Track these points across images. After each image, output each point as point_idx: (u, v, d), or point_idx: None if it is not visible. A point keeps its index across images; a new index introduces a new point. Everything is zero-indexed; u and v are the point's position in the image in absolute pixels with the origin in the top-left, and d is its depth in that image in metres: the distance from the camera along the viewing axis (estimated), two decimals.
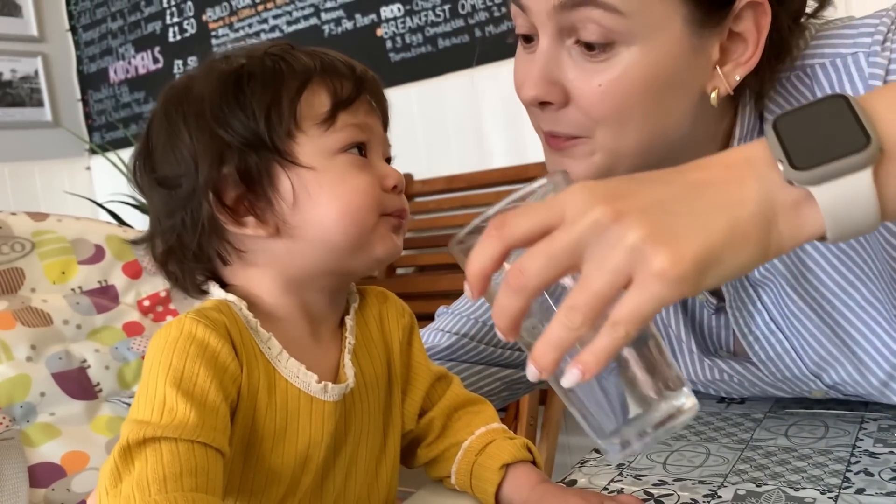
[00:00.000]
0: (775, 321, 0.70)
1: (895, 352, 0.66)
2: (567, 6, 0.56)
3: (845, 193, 0.40)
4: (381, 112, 0.59)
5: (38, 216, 0.86)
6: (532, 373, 0.42)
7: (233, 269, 0.57)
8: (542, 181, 0.46)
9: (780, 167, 0.41)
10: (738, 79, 0.59)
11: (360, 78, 0.57)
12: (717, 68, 0.59)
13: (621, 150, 0.60)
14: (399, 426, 0.64)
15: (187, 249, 0.56)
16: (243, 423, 0.53)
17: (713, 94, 0.59)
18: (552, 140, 0.62)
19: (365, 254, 0.57)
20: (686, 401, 0.44)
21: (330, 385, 0.56)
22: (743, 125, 0.64)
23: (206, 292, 0.58)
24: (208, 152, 0.53)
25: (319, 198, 0.54)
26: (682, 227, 0.40)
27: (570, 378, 0.41)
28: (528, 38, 0.62)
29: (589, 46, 0.57)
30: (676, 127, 0.60)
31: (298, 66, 0.55)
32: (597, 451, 0.71)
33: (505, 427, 0.63)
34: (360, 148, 0.56)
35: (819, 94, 0.61)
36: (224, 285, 0.57)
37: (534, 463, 0.61)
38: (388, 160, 0.60)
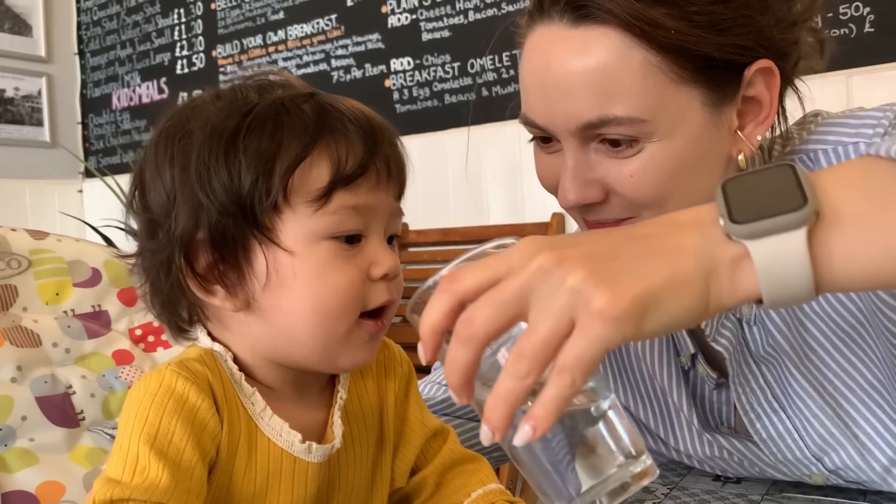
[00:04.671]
0: (778, 400, 0.69)
1: None
2: (590, 127, 0.59)
3: (778, 252, 0.40)
4: (396, 178, 0.53)
5: (38, 234, 0.84)
6: (485, 434, 0.40)
7: (211, 325, 0.54)
8: (494, 242, 0.46)
9: (721, 222, 0.42)
10: (759, 139, 0.62)
11: (371, 148, 0.50)
12: (739, 132, 0.62)
13: None
14: (387, 483, 0.61)
15: (164, 296, 0.53)
16: (220, 482, 0.50)
17: (740, 157, 0.62)
18: (598, 227, 0.63)
19: (329, 360, 0.52)
20: (639, 468, 0.43)
21: (315, 445, 0.53)
22: None
23: (189, 335, 0.55)
24: (184, 210, 0.48)
25: (292, 287, 0.49)
26: (621, 270, 0.40)
27: (522, 436, 0.39)
28: (546, 139, 0.64)
29: (614, 143, 0.59)
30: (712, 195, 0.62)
31: (301, 125, 0.49)
32: None
33: (503, 488, 0.61)
34: (353, 237, 0.50)
35: None
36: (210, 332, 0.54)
37: None
38: (394, 237, 0.54)
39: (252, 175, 0.47)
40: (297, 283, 0.49)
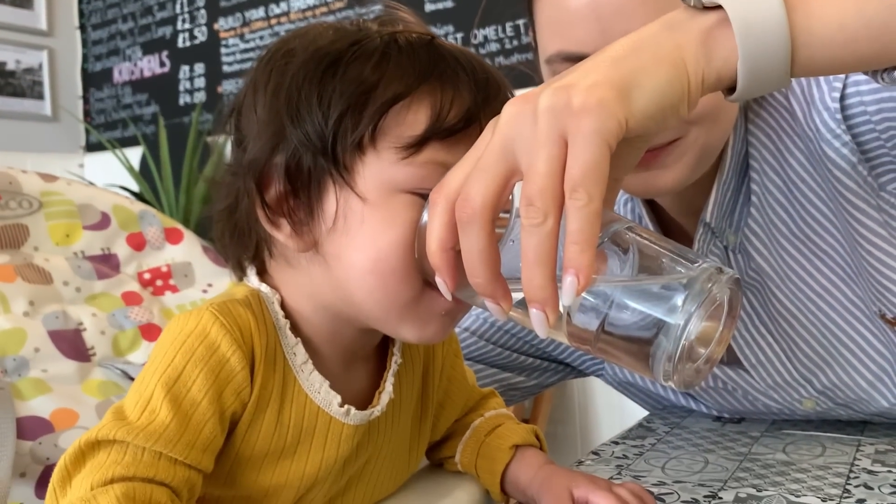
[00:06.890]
0: (765, 324, 0.71)
1: (880, 351, 0.68)
2: None
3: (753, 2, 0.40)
4: None
5: (49, 177, 0.85)
6: (538, 320, 0.36)
7: (275, 262, 0.50)
8: None
9: None
10: None
11: (480, 102, 0.45)
12: None
13: (712, 143, 0.61)
14: (426, 443, 0.60)
15: (234, 225, 0.50)
16: (246, 436, 0.47)
17: None
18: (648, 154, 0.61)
19: (390, 326, 0.48)
20: (710, 265, 0.39)
21: (353, 410, 0.50)
22: None
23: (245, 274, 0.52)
24: (266, 132, 0.46)
25: (356, 236, 0.45)
26: (588, 72, 0.39)
27: (568, 290, 0.35)
28: None
29: None
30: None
31: (410, 63, 0.45)
32: (594, 452, 0.70)
33: (512, 414, 0.62)
34: None
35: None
36: (263, 272, 0.51)
37: (541, 449, 0.61)
38: None
39: (343, 104, 0.44)
40: (362, 231, 0.44)
